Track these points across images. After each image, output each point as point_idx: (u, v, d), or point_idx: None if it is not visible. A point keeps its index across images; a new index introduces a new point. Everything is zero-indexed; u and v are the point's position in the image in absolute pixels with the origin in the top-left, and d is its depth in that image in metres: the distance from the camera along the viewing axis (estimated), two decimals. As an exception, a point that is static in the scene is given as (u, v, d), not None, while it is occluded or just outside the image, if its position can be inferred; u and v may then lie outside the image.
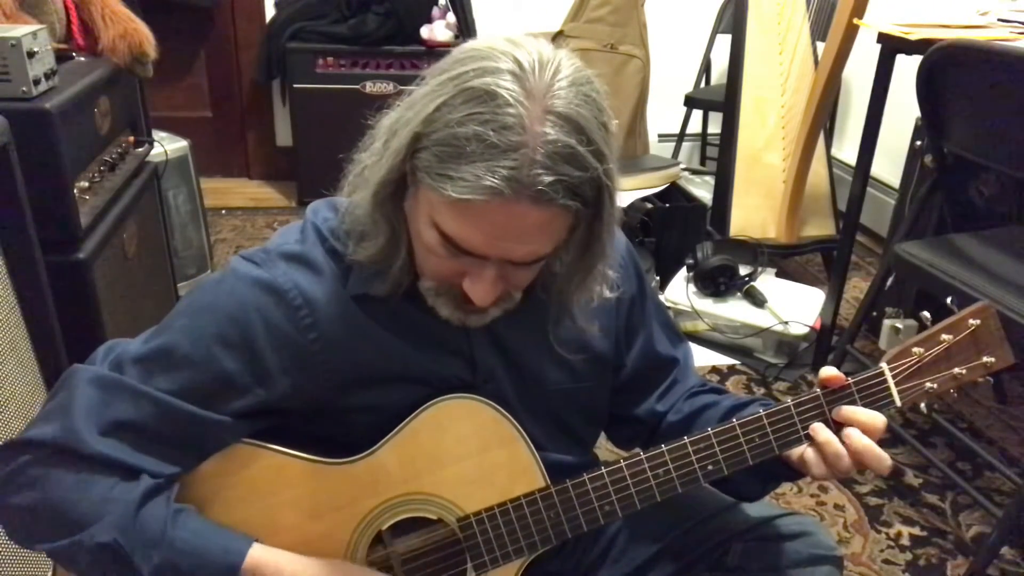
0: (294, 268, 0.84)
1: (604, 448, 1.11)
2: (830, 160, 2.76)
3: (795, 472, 0.92)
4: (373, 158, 0.78)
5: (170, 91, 3.34)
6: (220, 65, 3.41)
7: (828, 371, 0.87)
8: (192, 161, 2.40)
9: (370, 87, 3.10)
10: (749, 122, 2.72)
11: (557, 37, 2.77)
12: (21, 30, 1.36)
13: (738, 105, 2.71)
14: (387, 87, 3.09)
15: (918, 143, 2.20)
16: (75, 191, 1.47)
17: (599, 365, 0.97)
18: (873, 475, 1.84)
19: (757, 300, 2.37)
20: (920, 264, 1.65)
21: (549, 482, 0.89)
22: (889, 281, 2.14)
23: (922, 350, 0.87)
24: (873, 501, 1.77)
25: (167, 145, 2.23)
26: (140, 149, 1.92)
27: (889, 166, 2.78)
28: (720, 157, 2.88)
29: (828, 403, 0.86)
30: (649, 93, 2.84)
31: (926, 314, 1.05)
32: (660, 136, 3.50)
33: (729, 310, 2.36)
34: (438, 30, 3.07)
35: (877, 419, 0.84)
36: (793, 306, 2.34)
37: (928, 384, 0.87)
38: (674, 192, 2.74)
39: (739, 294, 2.42)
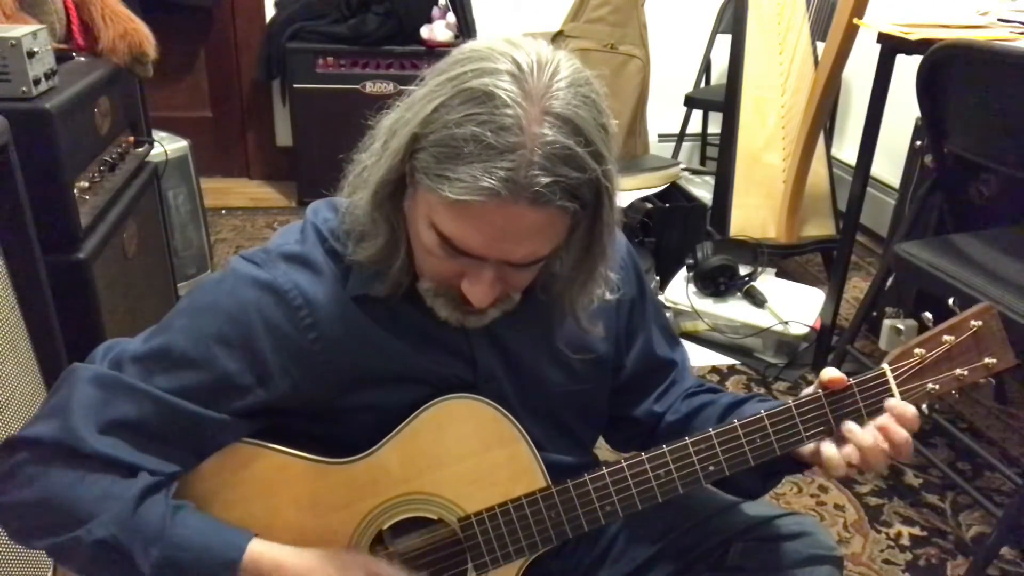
0: (294, 268, 0.84)
1: (604, 448, 1.11)
2: (830, 160, 2.76)
3: (798, 466, 0.92)
4: (372, 158, 0.78)
5: (170, 91, 3.34)
6: (220, 65, 3.41)
7: (830, 372, 0.87)
8: (192, 161, 2.40)
9: (370, 87, 3.10)
10: (749, 122, 2.72)
11: (557, 37, 2.77)
12: (21, 30, 1.36)
13: (738, 105, 2.71)
14: (387, 87, 3.09)
15: (918, 143, 2.20)
16: (75, 191, 1.47)
17: (599, 366, 0.97)
18: (873, 475, 1.84)
19: (757, 300, 2.37)
20: (920, 264, 1.65)
21: (550, 482, 0.89)
22: (889, 281, 2.14)
23: (924, 351, 0.87)
24: (873, 501, 1.77)
25: (167, 145, 2.23)
26: (140, 149, 1.92)
27: (889, 166, 2.78)
28: (720, 157, 2.88)
29: (829, 403, 0.86)
30: (649, 93, 2.83)
31: (928, 315, 1.05)
32: (660, 136, 3.50)
33: (729, 310, 2.36)
34: (438, 30, 3.07)
35: (908, 409, 0.85)
36: (793, 306, 2.34)
37: (930, 385, 0.87)
38: (674, 192, 2.74)
39: (739, 294, 2.42)
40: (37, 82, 1.37)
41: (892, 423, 0.84)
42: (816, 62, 2.71)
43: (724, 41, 3.13)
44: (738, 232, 2.65)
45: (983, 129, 1.64)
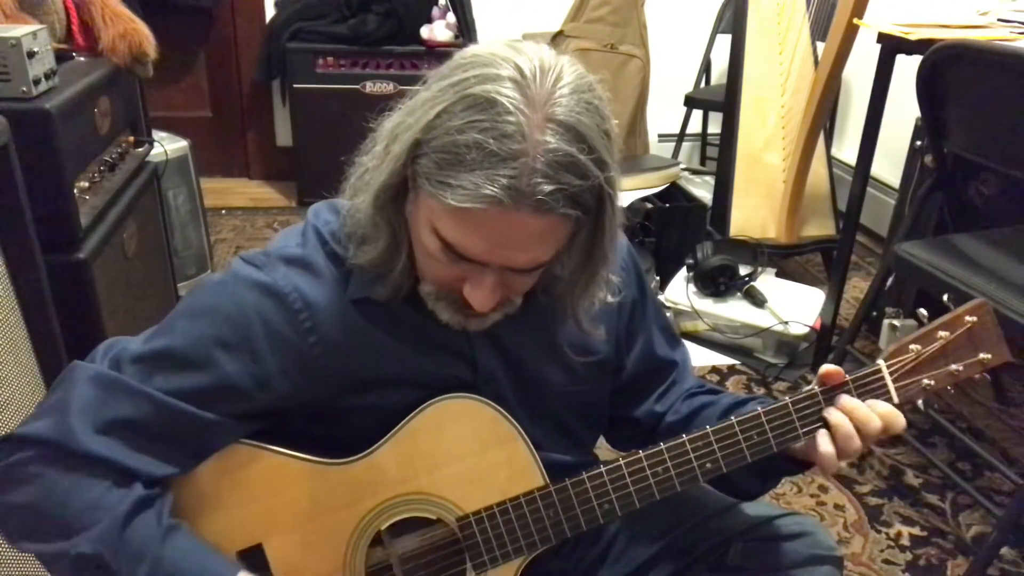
0: (294, 271, 0.84)
1: (604, 448, 1.11)
2: (830, 160, 2.76)
3: (797, 466, 0.92)
4: (374, 162, 0.78)
5: (170, 91, 3.35)
6: (220, 65, 3.41)
7: (827, 367, 0.88)
8: (192, 161, 2.40)
9: (370, 87, 3.10)
10: (749, 122, 2.72)
11: (557, 37, 2.77)
12: (21, 30, 1.36)
13: (738, 105, 2.71)
14: (387, 87, 3.10)
15: (918, 143, 2.20)
16: (75, 191, 1.47)
17: (600, 367, 0.97)
18: (873, 475, 1.84)
19: (757, 300, 2.37)
20: (920, 264, 1.65)
21: (548, 481, 0.89)
22: (889, 281, 2.14)
23: (919, 347, 0.87)
24: (873, 501, 1.77)
25: (167, 145, 2.23)
26: (140, 149, 1.92)
27: (889, 166, 2.78)
28: (720, 157, 2.88)
29: (826, 401, 0.87)
30: (649, 93, 2.84)
31: (923, 311, 1.05)
32: (660, 136, 3.50)
33: (729, 310, 2.36)
34: (438, 30, 3.07)
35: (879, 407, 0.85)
36: (793, 306, 2.34)
37: (925, 381, 0.87)
38: (674, 192, 2.74)
39: (739, 294, 2.42)
40: (37, 82, 1.37)
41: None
42: (816, 62, 2.71)
43: (724, 41, 3.13)
44: (738, 232, 2.65)
45: (983, 129, 1.64)
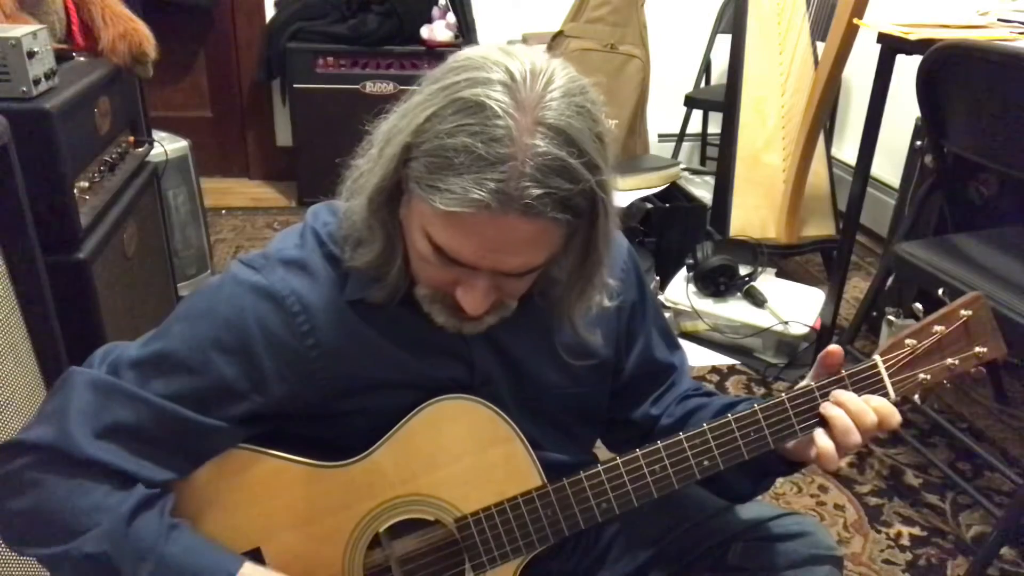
0: (292, 274, 0.84)
1: (601, 448, 1.11)
2: (830, 160, 2.76)
3: (789, 466, 0.92)
4: (368, 164, 0.78)
5: (170, 91, 3.35)
6: (220, 65, 3.41)
7: (829, 348, 0.88)
8: (192, 161, 2.40)
9: (370, 87, 3.10)
10: (749, 122, 2.72)
11: (557, 37, 2.77)
12: (21, 30, 1.36)
13: (738, 105, 2.71)
14: (387, 87, 3.10)
15: (918, 143, 2.20)
16: (75, 191, 1.47)
17: (599, 369, 0.97)
18: (873, 475, 1.84)
19: (757, 300, 2.37)
20: (920, 264, 1.65)
21: (546, 481, 0.88)
22: (889, 281, 2.14)
23: (915, 342, 0.87)
24: (873, 501, 1.77)
25: (167, 145, 2.23)
26: (140, 149, 1.92)
27: (889, 166, 2.78)
28: (720, 157, 2.88)
29: (822, 396, 0.87)
30: (649, 93, 2.83)
31: (918, 306, 1.05)
32: (660, 136, 3.50)
33: (729, 310, 2.36)
34: (438, 30, 3.07)
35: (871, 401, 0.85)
36: (793, 306, 2.34)
37: (922, 375, 0.87)
38: (674, 192, 2.74)
39: (739, 294, 2.42)
40: (37, 82, 1.37)
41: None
42: (816, 62, 2.71)
43: (724, 41, 3.13)
44: (738, 232, 2.65)
45: (983, 129, 1.64)
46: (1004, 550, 1.61)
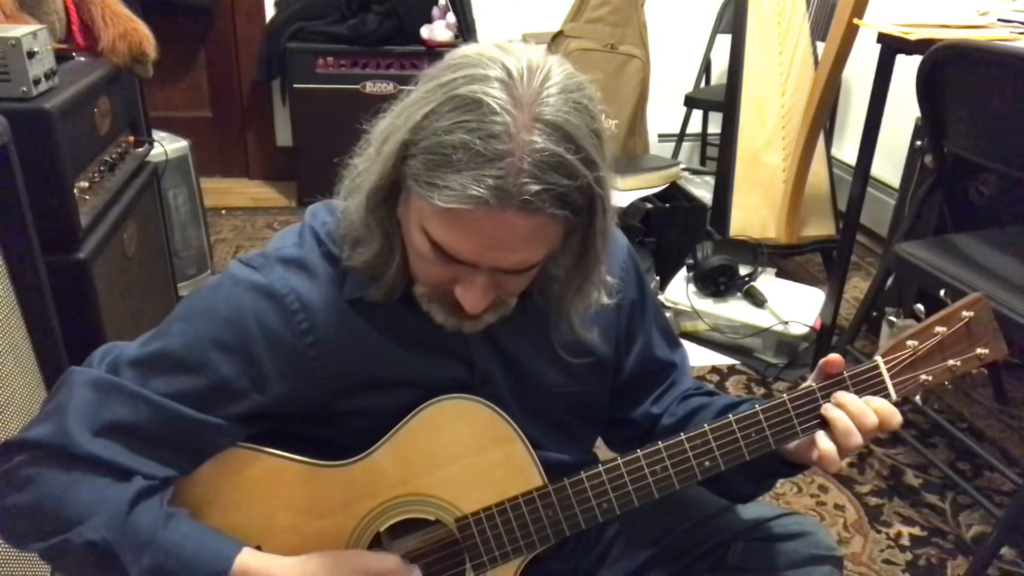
0: (291, 273, 0.84)
1: (601, 448, 1.11)
2: (830, 160, 2.76)
3: (790, 468, 0.92)
4: (366, 163, 0.78)
5: (170, 91, 3.35)
6: (220, 65, 3.42)
7: (828, 356, 0.88)
8: (192, 161, 2.40)
9: (370, 87, 3.10)
10: (749, 122, 2.72)
11: (557, 37, 2.77)
12: (21, 30, 1.36)
13: (738, 105, 2.71)
14: (387, 87, 3.10)
15: (918, 143, 2.20)
16: (75, 191, 1.47)
17: (599, 368, 0.97)
18: (873, 475, 1.84)
19: (757, 300, 2.37)
20: (920, 264, 1.65)
21: (547, 481, 0.88)
22: (889, 281, 2.14)
23: (916, 343, 0.87)
24: (873, 501, 1.77)
25: (167, 145, 2.23)
26: (140, 149, 1.92)
27: (889, 166, 2.78)
28: (720, 157, 2.88)
29: (823, 397, 0.87)
30: (649, 93, 2.84)
31: (920, 307, 1.05)
32: (660, 136, 3.50)
33: (729, 310, 2.36)
34: (438, 30, 3.07)
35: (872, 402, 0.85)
36: (793, 306, 2.34)
37: (923, 376, 0.87)
38: (674, 192, 2.74)
39: (739, 294, 2.42)
40: (37, 82, 1.37)
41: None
42: (816, 62, 2.71)
43: (724, 41, 3.13)
44: (738, 232, 2.65)
45: (983, 129, 1.64)
46: (1004, 550, 1.61)
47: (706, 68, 3.43)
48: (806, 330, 2.26)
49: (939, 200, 1.98)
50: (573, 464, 0.92)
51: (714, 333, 2.36)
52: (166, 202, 2.24)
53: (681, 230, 2.58)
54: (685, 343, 1.09)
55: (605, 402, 1.01)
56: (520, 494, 0.88)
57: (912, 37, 1.80)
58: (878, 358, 0.88)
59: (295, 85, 3.11)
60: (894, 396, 0.87)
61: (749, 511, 0.99)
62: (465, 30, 3.15)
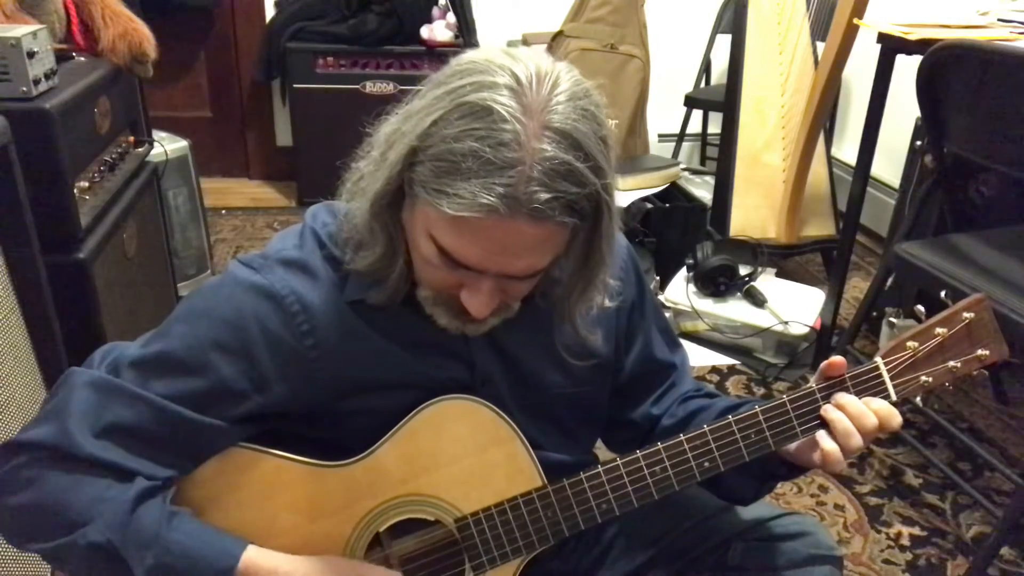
0: (292, 274, 0.84)
1: (601, 449, 1.11)
2: (830, 160, 2.76)
3: (792, 470, 0.92)
4: (370, 168, 0.78)
5: (170, 91, 3.35)
6: (220, 65, 3.42)
7: (831, 359, 0.87)
8: (192, 161, 2.40)
9: (370, 87, 3.10)
10: (749, 122, 2.72)
11: (557, 37, 2.77)
12: (21, 30, 1.36)
13: (738, 105, 2.71)
14: (387, 87, 3.10)
15: (918, 143, 2.20)
16: (75, 191, 1.47)
17: (600, 369, 0.97)
18: (873, 475, 1.84)
19: (757, 300, 2.37)
20: (920, 264, 1.65)
21: (546, 482, 0.89)
22: (889, 281, 2.14)
23: (917, 344, 0.87)
24: (873, 501, 1.77)
25: (167, 145, 2.23)
26: (140, 149, 1.92)
27: (889, 166, 2.78)
28: (720, 157, 2.88)
29: (823, 398, 0.87)
30: (649, 93, 2.84)
31: (920, 308, 1.05)
32: (660, 136, 3.50)
33: (729, 310, 2.36)
34: (438, 30, 3.07)
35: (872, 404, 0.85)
36: (793, 306, 2.34)
37: (923, 378, 0.87)
38: (674, 192, 2.75)
39: (739, 294, 2.42)
40: (37, 82, 1.37)
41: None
42: (816, 62, 2.71)
43: (724, 41, 3.13)
44: (738, 232, 2.65)
45: (983, 129, 1.64)
46: (1004, 550, 1.61)
47: (706, 68, 3.43)
48: (806, 330, 2.26)
49: (939, 200, 1.98)
50: (573, 465, 0.92)
51: (714, 333, 2.36)
52: (166, 202, 2.24)
53: (681, 230, 2.58)
54: (685, 343, 1.09)
55: (605, 403, 1.01)
56: (520, 495, 0.88)
57: (912, 37, 1.80)
58: (878, 359, 0.88)
59: (295, 85, 3.11)
60: (894, 397, 0.87)
61: (749, 511, 0.99)
62: (465, 30, 3.15)
